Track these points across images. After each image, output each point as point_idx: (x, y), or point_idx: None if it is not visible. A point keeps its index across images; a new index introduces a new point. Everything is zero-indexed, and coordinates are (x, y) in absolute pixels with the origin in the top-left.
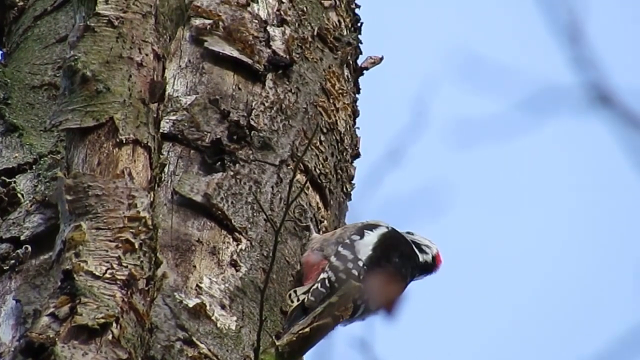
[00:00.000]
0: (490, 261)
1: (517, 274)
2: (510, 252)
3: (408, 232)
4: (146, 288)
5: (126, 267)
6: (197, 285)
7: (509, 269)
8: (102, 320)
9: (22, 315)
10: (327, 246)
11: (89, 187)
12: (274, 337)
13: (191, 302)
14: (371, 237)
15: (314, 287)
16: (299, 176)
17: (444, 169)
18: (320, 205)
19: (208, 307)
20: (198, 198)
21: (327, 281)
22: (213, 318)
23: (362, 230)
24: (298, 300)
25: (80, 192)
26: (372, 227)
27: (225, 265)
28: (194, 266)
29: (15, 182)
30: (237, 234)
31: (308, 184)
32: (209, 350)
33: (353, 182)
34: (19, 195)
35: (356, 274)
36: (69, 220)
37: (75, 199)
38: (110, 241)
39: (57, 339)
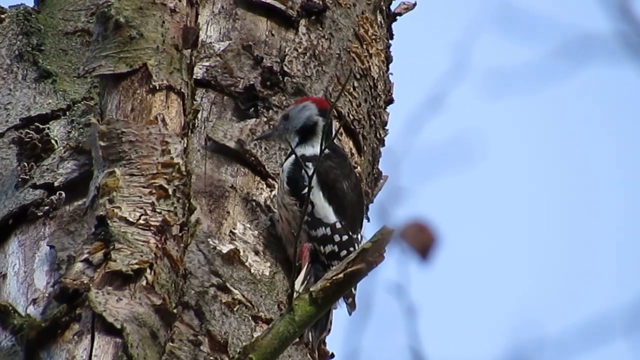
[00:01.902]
0: (519, 211)
1: (547, 224)
2: (542, 202)
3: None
4: (180, 234)
5: (160, 213)
6: (230, 231)
7: (538, 219)
8: (136, 266)
9: (56, 262)
10: (291, 234)
11: (122, 134)
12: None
13: (225, 248)
14: (316, 193)
15: (309, 278)
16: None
17: (479, 118)
18: (354, 151)
19: (242, 253)
20: (231, 144)
21: (322, 257)
22: (247, 264)
23: (298, 193)
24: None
25: (113, 138)
26: (295, 180)
27: (259, 211)
28: (228, 212)
29: (48, 128)
30: (270, 179)
31: (341, 129)
32: (243, 296)
33: (386, 128)
34: (53, 141)
35: (344, 230)
36: (103, 167)
37: (109, 145)
38: (143, 187)
39: (91, 285)
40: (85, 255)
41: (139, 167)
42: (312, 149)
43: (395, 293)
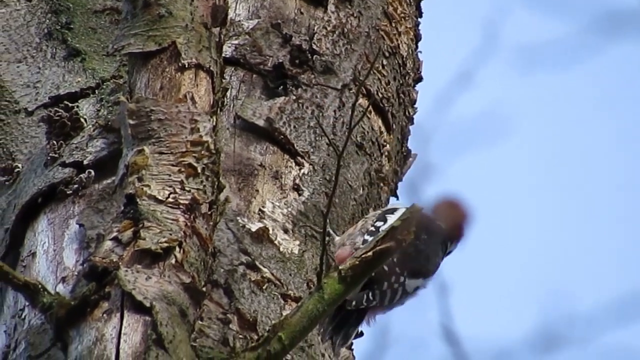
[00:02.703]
0: (550, 187)
1: (578, 199)
2: (573, 177)
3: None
4: (209, 212)
5: (189, 191)
6: (259, 210)
7: (570, 195)
8: (165, 245)
9: (85, 240)
10: (354, 238)
11: (151, 112)
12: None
13: (254, 226)
14: (393, 219)
15: None
16: (361, 100)
17: (509, 94)
18: (383, 129)
19: (271, 231)
20: (260, 122)
21: None
22: (276, 242)
23: (383, 215)
24: None
25: (142, 116)
26: (392, 210)
27: (288, 190)
28: (257, 190)
29: (78, 106)
30: (299, 158)
31: (370, 107)
32: (272, 274)
33: (415, 106)
34: (82, 119)
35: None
36: (132, 145)
37: (138, 124)
38: (172, 165)
39: (120, 263)
40: (115, 234)
41: (168, 145)
42: None
43: None
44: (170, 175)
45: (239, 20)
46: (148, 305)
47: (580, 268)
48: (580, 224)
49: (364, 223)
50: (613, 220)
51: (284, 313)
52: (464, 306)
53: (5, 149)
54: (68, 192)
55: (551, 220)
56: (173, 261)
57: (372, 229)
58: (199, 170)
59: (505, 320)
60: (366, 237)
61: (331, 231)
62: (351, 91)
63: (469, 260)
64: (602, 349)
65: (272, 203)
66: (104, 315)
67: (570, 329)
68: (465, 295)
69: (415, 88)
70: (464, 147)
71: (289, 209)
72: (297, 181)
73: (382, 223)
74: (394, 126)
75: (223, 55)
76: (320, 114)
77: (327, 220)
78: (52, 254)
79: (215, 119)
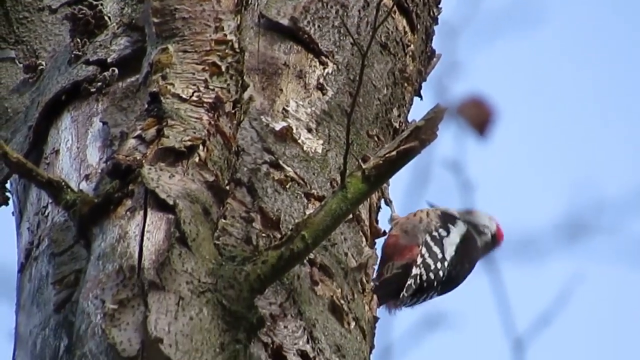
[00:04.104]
0: (577, 78)
1: (606, 88)
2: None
3: (467, 211)
4: (233, 111)
5: (213, 90)
6: (283, 109)
7: (597, 84)
8: (189, 143)
9: (109, 137)
10: (417, 232)
11: (175, 10)
12: (360, 161)
13: (278, 126)
14: (454, 236)
15: (409, 283)
16: (385, 0)
17: None
18: (407, 29)
19: (294, 131)
20: (285, 21)
21: (418, 278)
22: (299, 141)
23: (445, 224)
24: (391, 272)
25: (167, 14)
26: (451, 220)
27: (312, 89)
28: (281, 89)
29: (101, 4)
30: (323, 57)
31: (395, 7)
32: (295, 173)
33: (440, 6)
34: (106, 17)
35: (441, 275)
36: (156, 43)
37: (162, 22)
38: (197, 64)
39: (143, 161)
40: (138, 132)
41: (192, 43)
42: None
43: (452, 169)
44: (194, 74)
45: None
46: (171, 203)
47: (608, 156)
48: (609, 112)
49: (427, 220)
50: None
51: (307, 212)
52: (490, 205)
53: (29, 47)
54: (92, 90)
55: (579, 109)
56: (196, 159)
57: (436, 235)
58: (223, 69)
59: (532, 211)
60: (429, 240)
61: (392, 205)
62: None
63: (495, 155)
64: (630, 236)
65: (296, 102)
66: (127, 213)
67: (598, 217)
68: (491, 194)
69: None
70: (492, 37)
71: (313, 108)
72: (321, 80)
73: (445, 233)
74: (418, 26)
75: None
76: (345, 14)
77: (351, 120)
78: (76, 152)
79: (239, 18)
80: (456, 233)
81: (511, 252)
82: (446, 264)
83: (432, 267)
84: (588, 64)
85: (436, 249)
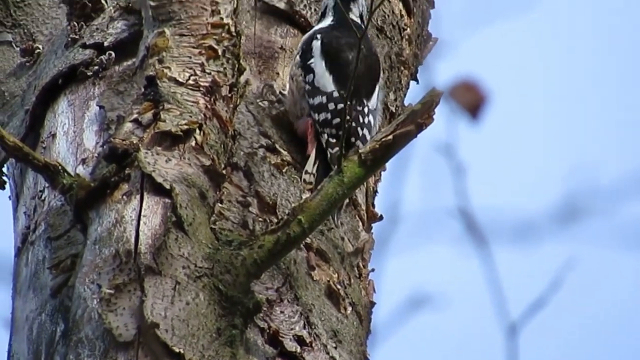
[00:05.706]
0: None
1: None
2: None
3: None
4: (229, 95)
5: (209, 73)
6: (280, 92)
7: (593, 68)
8: (186, 127)
9: (105, 121)
10: (299, 104)
11: None
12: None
13: (274, 110)
14: (317, 62)
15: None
16: None
17: None
18: (404, 12)
19: None
20: (281, 5)
21: (331, 137)
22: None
23: (305, 64)
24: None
25: None
26: (305, 52)
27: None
28: (277, 73)
29: None
30: None
31: None
32: (292, 157)
33: None
34: (102, 1)
35: (345, 95)
36: (153, 27)
37: (159, 5)
38: (193, 47)
39: (140, 145)
40: (135, 116)
41: (188, 27)
42: (323, 23)
43: (444, 152)
44: (190, 58)
45: None
46: (168, 187)
47: (604, 140)
48: (603, 97)
49: (293, 83)
50: (639, 92)
51: (304, 196)
52: (482, 188)
53: (25, 30)
54: (88, 74)
55: (574, 93)
56: (193, 143)
57: (308, 87)
58: (220, 52)
59: (526, 195)
60: (309, 99)
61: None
62: None
63: (489, 139)
64: (625, 220)
65: None
66: (124, 197)
67: (593, 201)
68: (483, 178)
69: None
70: (483, 22)
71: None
72: None
73: (311, 75)
74: (415, 10)
75: None
76: None
77: (348, 104)
78: (72, 136)
79: (235, 2)
80: (316, 58)
81: (506, 236)
82: (335, 93)
83: (329, 116)
84: (582, 47)
85: (318, 99)
